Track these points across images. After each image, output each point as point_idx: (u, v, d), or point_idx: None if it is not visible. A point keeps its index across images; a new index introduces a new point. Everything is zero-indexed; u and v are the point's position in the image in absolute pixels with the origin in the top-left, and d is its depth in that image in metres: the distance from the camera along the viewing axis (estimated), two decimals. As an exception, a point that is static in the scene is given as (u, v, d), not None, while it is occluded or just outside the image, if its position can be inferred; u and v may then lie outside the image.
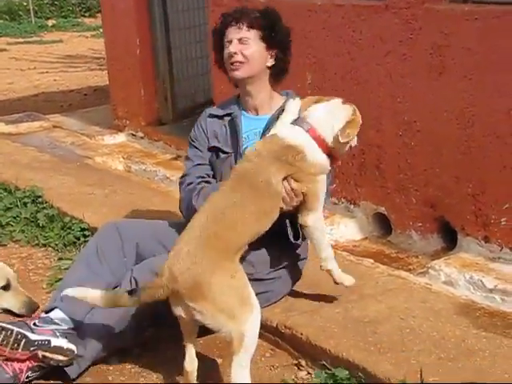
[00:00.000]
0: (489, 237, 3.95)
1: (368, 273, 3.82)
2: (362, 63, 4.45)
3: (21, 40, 17.57)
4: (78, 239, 4.49)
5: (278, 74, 3.50)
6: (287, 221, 3.31)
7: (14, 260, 4.46)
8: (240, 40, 3.40)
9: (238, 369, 2.76)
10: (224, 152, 3.53)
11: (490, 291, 3.65)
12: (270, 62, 3.45)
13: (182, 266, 2.80)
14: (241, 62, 3.41)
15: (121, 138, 6.97)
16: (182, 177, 3.62)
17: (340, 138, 3.03)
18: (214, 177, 3.56)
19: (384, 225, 4.61)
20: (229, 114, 3.56)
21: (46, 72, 12.83)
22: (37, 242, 4.66)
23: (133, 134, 6.89)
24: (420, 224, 4.31)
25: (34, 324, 3.16)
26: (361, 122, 3.11)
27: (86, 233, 4.50)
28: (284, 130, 3.09)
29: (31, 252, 4.51)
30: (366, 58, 4.41)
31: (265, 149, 3.03)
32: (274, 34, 3.43)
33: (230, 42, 3.40)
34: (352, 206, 4.71)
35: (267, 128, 3.40)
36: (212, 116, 3.60)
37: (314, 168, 3.04)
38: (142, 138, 6.79)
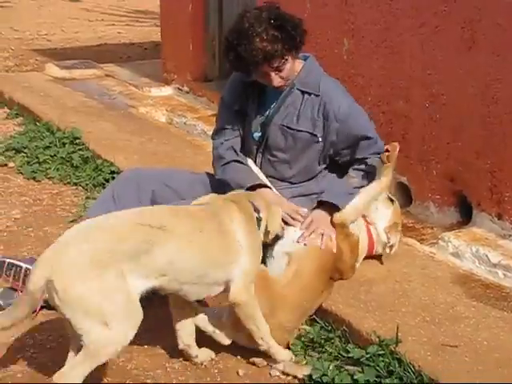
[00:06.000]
0: (502, 214, 3.96)
1: (375, 237, 3.90)
2: (396, 33, 4.47)
3: (96, -8, 17.84)
4: (107, 181, 4.69)
5: (299, 50, 3.49)
6: None
7: (44, 195, 4.69)
8: (276, 68, 3.36)
9: None
10: (245, 116, 3.63)
11: (493, 266, 3.68)
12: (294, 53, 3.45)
13: None
14: (282, 82, 3.44)
15: (167, 91, 7.13)
16: (214, 134, 3.76)
17: None
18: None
19: (405, 194, 4.65)
20: (255, 81, 3.54)
21: (113, 24, 13.08)
22: (69, 180, 4.89)
23: (179, 88, 7.05)
24: (438, 196, 4.35)
25: None
26: None
27: (115, 175, 4.67)
28: None
29: (62, 189, 4.72)
30: (401, 28, 4.42)
31: None
32: (296, 39, 3.36)
33: (266, 73, 3.36)
34: (376, 174, 4.76)
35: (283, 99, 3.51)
36: (241, 80, 3.61)
37: None
38: (187, 92, 6.94)
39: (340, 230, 3.34)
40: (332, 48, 4.94)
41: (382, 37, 4.58)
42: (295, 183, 3.62)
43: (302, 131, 3.50)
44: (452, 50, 4.12)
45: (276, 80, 3.39)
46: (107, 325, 2.46)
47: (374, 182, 3.47)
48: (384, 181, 3.46)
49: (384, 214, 3.59)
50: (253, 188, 3.44)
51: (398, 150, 3.39)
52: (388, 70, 4.58)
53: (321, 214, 3.38)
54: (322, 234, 3.26)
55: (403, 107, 4.50)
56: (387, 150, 3.40)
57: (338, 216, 3.35)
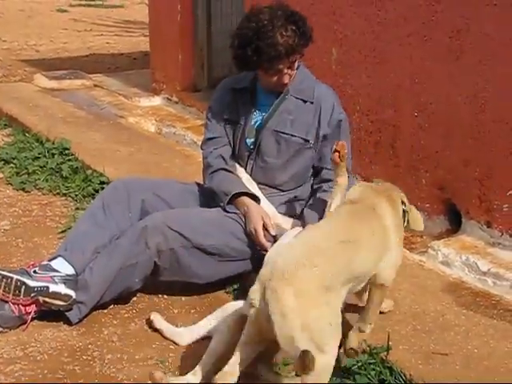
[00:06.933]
0: (491, 222, 3.98)
1: (365, 246, 3.90)
2: (385, 42, 4.49)
3: (83, 3, 17.88)
4: (97, 191, 4.67)
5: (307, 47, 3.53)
6: None
7: (34, 206, 4.68)
8: (291, 64, 3.43)
9: None
10: (236, 123, 3.66)
11: (483, 274, 3.69)
12: None
13: None
14: (288, 82, 3.51)
15: (156, 101, 7.14)
16: (202, 144, 3.78)
17: None
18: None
19: (395, 203, 4.66)
20: (245, 88, 3.65)
21: (101, 35, 13.09)
22: (58, 191, 4.87)
23: (168, 98, 7.06)
24: (428, 205, 4.36)
25: (34, 271, 3.31)
26: None
27: (105, 186, 4.66)
28: None
29: (52, 200, 4.70)
30: (390, 38, 4.45)
31: None
32: (307, 35, 3.43)
33: (279, 70, 3.40)
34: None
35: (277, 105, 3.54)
36: (229, 88, 3.70)
37: None
38: (176, 102, 6.95)
39: None
40: (320, 57, 4.96)
41: (370, 46, 4.60)
42: (285, 190, 3.64)
43: (295, 136, 3.54)
44: (440, 60, 4.15)
45: (286, 78, 3.46)
46: (323, 350, 2.36)
47: (334, 187, 3.22)
48: (342, 182, 3.23)
49: None
50: (239, 196, 3.46)
51: (345, 147, 3.28)
52: (376, 79, 4.61)
53: None
54: None
55: (392, 116, 4.52)
56: (336, 151, 3.28)
57: None
